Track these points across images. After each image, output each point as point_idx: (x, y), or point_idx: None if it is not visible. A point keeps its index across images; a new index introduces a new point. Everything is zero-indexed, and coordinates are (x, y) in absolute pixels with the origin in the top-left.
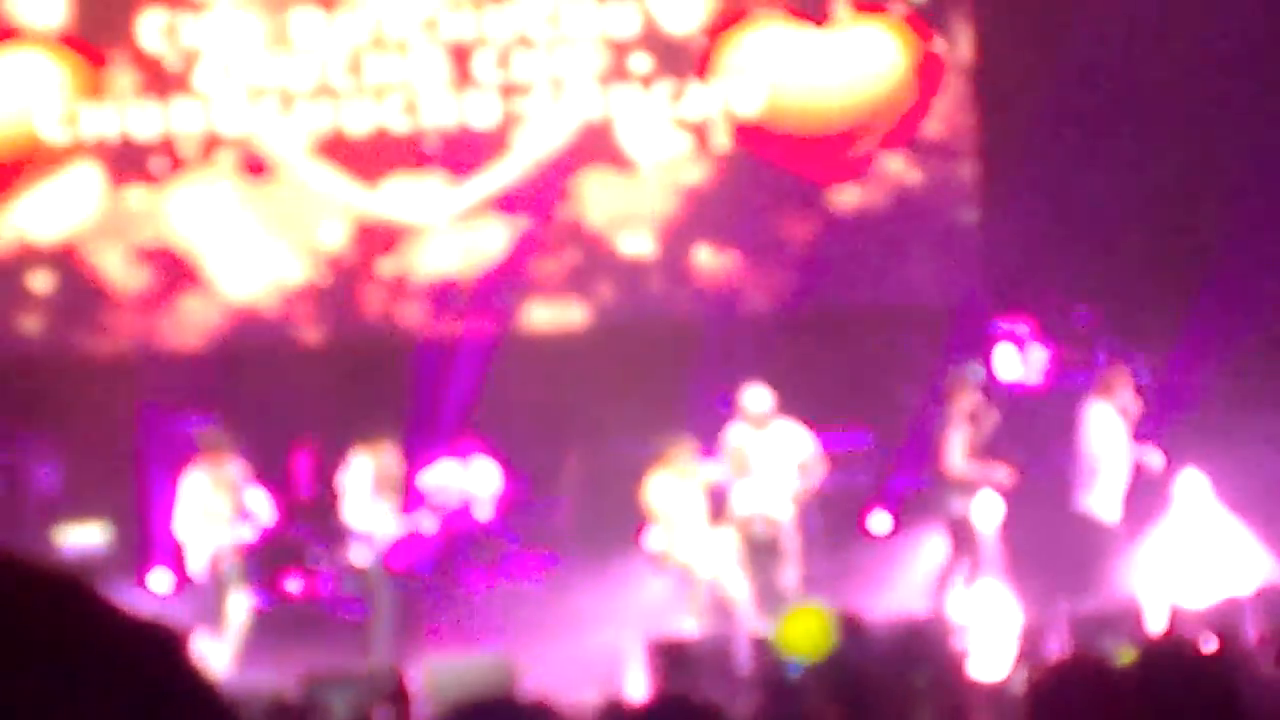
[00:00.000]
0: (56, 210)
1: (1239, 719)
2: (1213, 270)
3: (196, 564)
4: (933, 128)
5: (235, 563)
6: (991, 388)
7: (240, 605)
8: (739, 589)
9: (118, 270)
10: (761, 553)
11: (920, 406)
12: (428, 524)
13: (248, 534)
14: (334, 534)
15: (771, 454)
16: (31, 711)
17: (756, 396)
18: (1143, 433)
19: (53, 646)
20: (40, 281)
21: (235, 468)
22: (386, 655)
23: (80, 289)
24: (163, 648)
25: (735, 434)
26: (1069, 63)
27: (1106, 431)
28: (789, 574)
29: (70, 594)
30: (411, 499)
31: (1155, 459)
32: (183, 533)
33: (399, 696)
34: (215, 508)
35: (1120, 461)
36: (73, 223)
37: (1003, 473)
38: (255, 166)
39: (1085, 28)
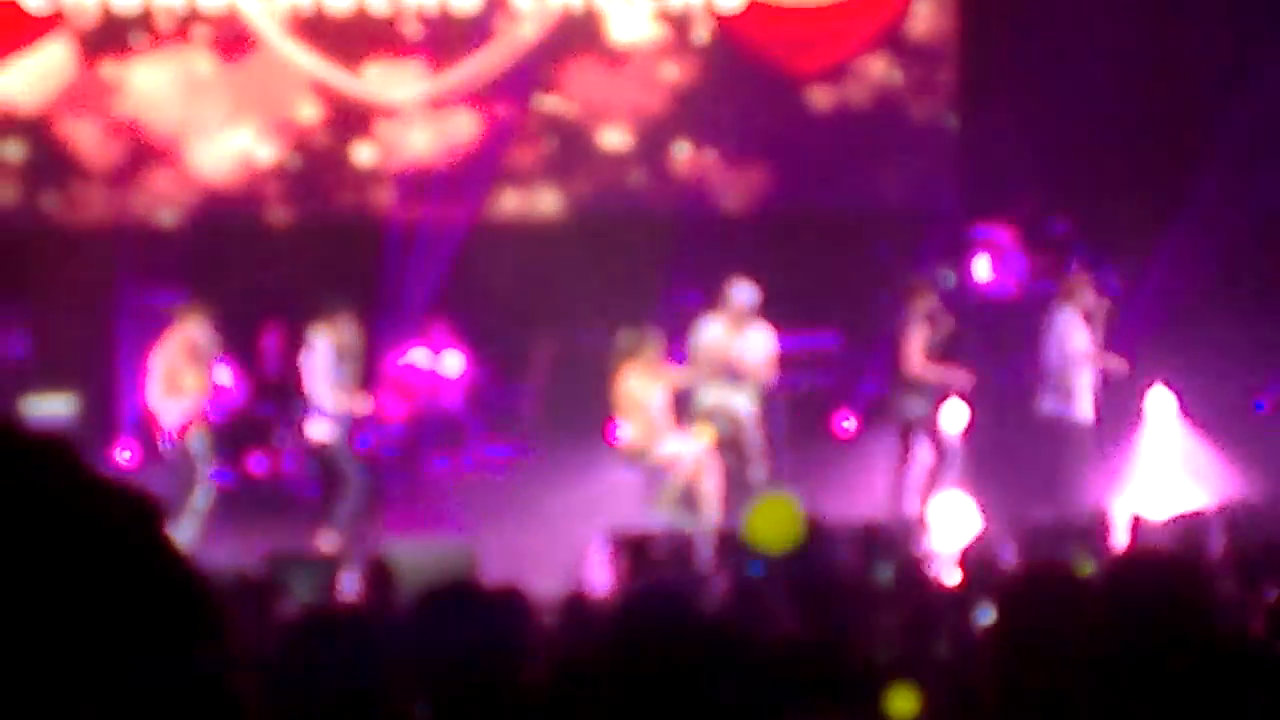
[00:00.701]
0: (32, 80)
1: (1209, 628)
2: (1190, 182)
3: (164, 438)
4: (915, 30)
5: (203, 438)
6: (964, 294)
7: (206, 481)
8: (704, 484)
9: (92, 143)
10: (727, 448)
11: (890, 310)
12: (394, 409)
13: (215, 410)
14: (300, 413)
15: (744, 351)
16: (5, 567)
17: (744, 291)
18: (1112, 343)
19: (33, 505)
20: (13, 151)
21: (209, 342)
22: (348, 533)
23: (54, 160)
24: (140, 514)
25: (710, 329)
26: None
27: (1069, 338)
28: (755, 470)
29: (52, 455)
30: (378, 384)
31: (1117, 364)
32: (153, 405)
33: (382, 575)
34: (187, 382)
35: (1083, 368)
36: (48, 93)
37: (961, 377)
38: (232, 43)
39: None
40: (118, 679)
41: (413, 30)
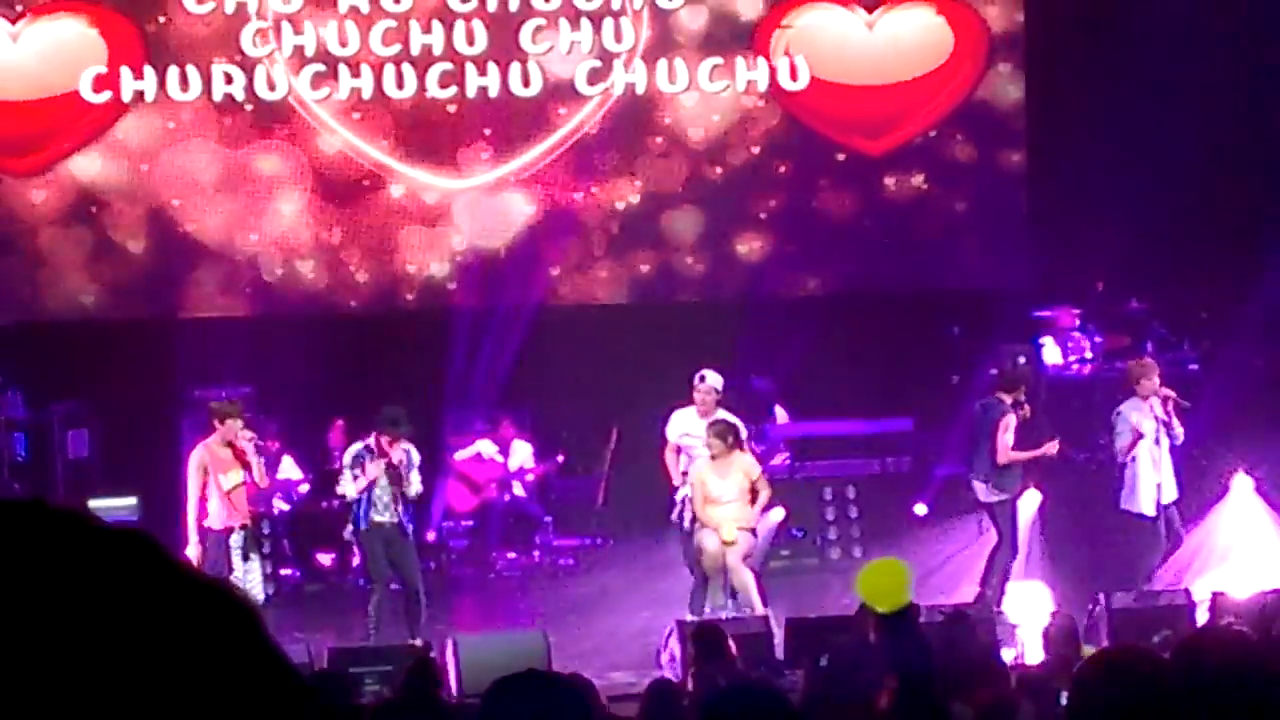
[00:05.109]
0: (92, 172)
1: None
2: (1265, 261)
3: (207, 537)
4: (985, 109)
5: (245, 535)
6: (1037, 376)
7: (255, 578)
8: (734, 579)
9: (153, 237)
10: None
11: (964, 393)
12: (461, 502)
13: (281, 504)
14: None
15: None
16: (102, 663)
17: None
18: (1188, 423)
19: (126, 600)
20: (73, 245)
21: (248, 439)
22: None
23: (115, 254)
24: (236, 608)
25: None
26: (1119, 47)
27: (1137, 426)
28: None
29: (141, 549)
30: (446, 475)
31: (1179, 421)
32: (193, 504)
33: (429, 671)
34: (227, 479)
35: (1153, 456)
36: (108, 184)
37: (1048, 455)
38: (293, 130)
39: (1137, 16)
40: None
41: (474, 115)
